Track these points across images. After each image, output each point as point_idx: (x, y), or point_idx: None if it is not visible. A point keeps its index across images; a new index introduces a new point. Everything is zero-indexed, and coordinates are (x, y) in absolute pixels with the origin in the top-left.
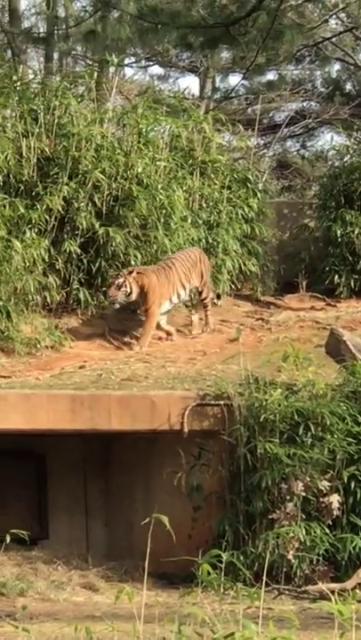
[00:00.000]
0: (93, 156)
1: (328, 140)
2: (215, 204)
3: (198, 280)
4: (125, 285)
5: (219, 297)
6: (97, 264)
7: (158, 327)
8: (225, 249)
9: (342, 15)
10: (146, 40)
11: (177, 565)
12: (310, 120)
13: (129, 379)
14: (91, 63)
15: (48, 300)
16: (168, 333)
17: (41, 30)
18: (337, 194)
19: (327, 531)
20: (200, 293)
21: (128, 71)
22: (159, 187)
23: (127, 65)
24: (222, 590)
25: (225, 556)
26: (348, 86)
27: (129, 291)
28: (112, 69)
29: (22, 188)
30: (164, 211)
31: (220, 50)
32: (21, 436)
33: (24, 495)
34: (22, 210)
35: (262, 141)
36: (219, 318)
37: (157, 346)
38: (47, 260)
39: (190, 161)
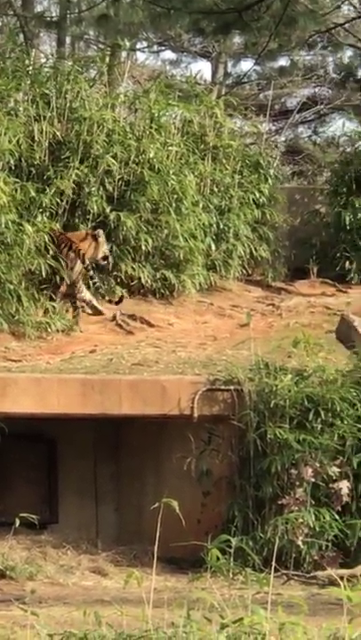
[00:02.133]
0: (105, 141)
1: (340, 125)
2: (226, 189)
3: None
4: None
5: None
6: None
7: None
8: (236, 234)
9: (355, 1)
10: (158, 25)
11: (186, 550)
12: (322, 106)
13: (139, 363)
14: (103, 47)
15: (59, 283)
16: None
17: (53, 14)
18: (348, 180)
19: (336, 517)
20: None
21: (140, 56)
22: (171, 172)
23: (139, 49)
24: (231, 575)
25: (234, 542)
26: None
27: None
28: (124, 54)
29: (34, 171)
30: (175, 196)
31: (232, 35)
32: (32, 419)
33: (34, 479)
34: (33, 193)
35: (274, 127)
36: (230, 303)
37: (168, 330)
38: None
39: (202, 146)
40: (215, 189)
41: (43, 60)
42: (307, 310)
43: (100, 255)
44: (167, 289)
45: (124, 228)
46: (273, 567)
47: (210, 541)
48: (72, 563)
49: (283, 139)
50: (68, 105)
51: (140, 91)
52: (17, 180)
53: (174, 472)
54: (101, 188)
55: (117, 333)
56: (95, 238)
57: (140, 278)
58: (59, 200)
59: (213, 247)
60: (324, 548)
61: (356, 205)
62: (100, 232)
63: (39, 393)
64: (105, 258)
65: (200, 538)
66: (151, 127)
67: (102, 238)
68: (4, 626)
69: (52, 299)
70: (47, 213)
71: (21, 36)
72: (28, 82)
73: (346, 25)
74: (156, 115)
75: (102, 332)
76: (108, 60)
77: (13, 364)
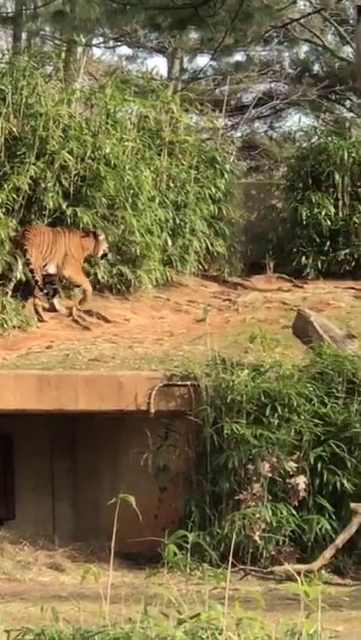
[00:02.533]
0: (61, 136)
1: (296, 121)
2: (183, 185)
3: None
4: None
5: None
6: None
7: None
8: (192, 229)
9: None
10: (114, 20)
11: (143, 546)
12: (278, 101)
13: (96, 359)
14: (59, 43)
15: (16, 279)
16: None
17: (9, 10)
18: (304, 175)
19: (293, 512)
20: None
21: (96, 51)
22: (127, 167)
23: (95, 45)
24: (188, 571)
25: (191, 537)
26: (316, 68)
27: None
28: (80, 49)
29: None
30: (131, 191)
31: (188, 31)
32: None
33: None
34: None
35: (230, 122)
36: (186, 299)
37: (125, 326)
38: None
39: (158, 141)
40: (171, 185)
41: None
42: (263, 305)
43: (100, 253)
44: (124, 284)
45: (81, 224)
46: (230, 562)
47: (167, 537)
48: (29, 558)
49: (239, 134)
50: (23, 101)
51: (95, 86)
52: None
53: (131, 468)
54: (57, 184)
55: (74, 329)
56: (96, 236)
57: (96, 274)
58: (15, 196)
59: (170, 242)
60: (281, 543)
61: (313, 200)
62: (100, 231)
63: None
64: (104, 255)
65: (157, 533)
66: (107, 123)
67: (102, 237)
68: None
69: (7, 295)
70: (3, 209)
71: None
72: None
73: (302, 20)
74: (112, 110)
75: (59, 328)
76: (63, 55)
77: None
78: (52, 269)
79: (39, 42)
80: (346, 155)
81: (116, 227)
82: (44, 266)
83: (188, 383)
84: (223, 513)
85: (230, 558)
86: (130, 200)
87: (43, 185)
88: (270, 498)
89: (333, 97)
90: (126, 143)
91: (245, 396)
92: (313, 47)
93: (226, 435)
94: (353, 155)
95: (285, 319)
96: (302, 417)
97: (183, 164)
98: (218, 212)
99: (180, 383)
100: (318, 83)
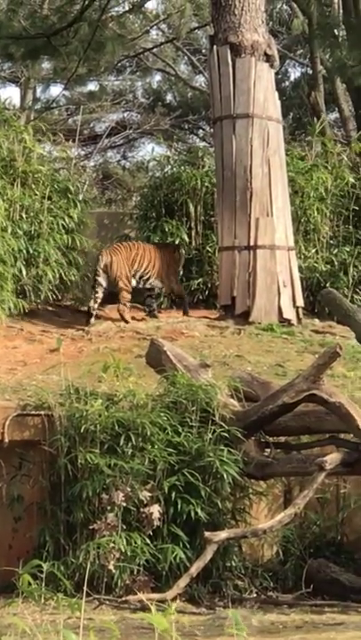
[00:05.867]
0: None
1: (149, 150)
2: (36, 215)
3: None
4: None
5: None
6: None
7: None
8: (46, 259)
9: (163, 26)
10: None
11: None
12: (131, 131)
13: None
14: None
15: None
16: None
17: None
18: (158, 204)
19: (148, 541)
20: None
21: None
22: None
23: None
24: (43, 601)
25: (45, 567)
26: (169, 97)
27: None
28: None
29: None
30: None
31: (41, 60)
32: None
33: None
34: None
35: (83, 152)
36: (40, 329)
37: None
38: None
39: (11, 171)
40: (24, 215)
41: None
42: (117, 335)
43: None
44: None
45: None
46: (85, 592)
47: (21, 567)
48: None
49: (92, 164)
50: None
51: None
52: None
53: None
54: None
55: None
56: (179, 251)
57: None
58: None
59: (24, 272)
60: (135, 572)
61: (166, 230)
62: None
63: None
64: None
65: (12, 563)
66: None
67: (182, 250)
68: None
69: None
70: None
71: None
72: None
73: (154, 50)
74: None
75: None
76: None
77: None
78: (156, 283)
79: None
80: (199, 184)
81: None
82: (147, 279)
83: (42, 413)
84: (78, 542)
85: (85, 588)
86: None
87: None
88: (125, 527)
89: (186, 126)
90: None
91: (99, 425)
92: (166, 76)
93: (80, 464)
94: (206, 184)
95: (139, 348)
96: (156, 446)
97: (36, 194)
98: (71, 242)
99: (33, 413)
100: (171, 112)
